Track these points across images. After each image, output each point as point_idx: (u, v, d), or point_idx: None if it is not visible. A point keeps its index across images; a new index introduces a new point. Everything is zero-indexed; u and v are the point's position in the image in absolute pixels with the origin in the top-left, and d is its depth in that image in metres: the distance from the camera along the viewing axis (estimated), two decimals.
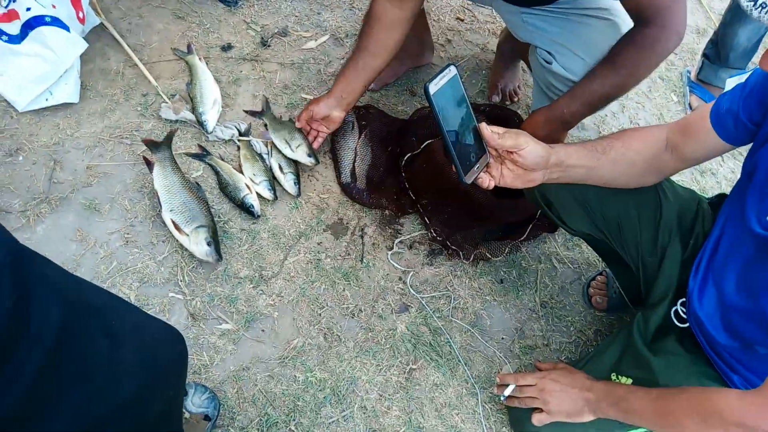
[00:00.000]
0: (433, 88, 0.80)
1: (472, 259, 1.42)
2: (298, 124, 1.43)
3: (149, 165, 1.30)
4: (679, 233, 1.09)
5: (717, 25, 1.88)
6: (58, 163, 1.34)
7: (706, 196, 1.16)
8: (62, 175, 1.33)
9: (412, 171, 1.47)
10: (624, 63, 1.16)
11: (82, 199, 1.30)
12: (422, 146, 1.45)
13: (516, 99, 1.75)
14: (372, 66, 1.33)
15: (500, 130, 0.90)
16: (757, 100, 0.91)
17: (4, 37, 1.37)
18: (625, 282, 1.36)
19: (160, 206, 1.27)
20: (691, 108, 1.94)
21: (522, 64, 1.75)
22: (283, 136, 1.43)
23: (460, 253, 1.42)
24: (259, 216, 1.35)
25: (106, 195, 1.32)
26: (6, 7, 1.40)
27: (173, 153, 1.35)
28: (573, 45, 1.24)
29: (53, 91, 1.39)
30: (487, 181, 0.91)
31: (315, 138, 1.43)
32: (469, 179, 0.87)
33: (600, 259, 1.46)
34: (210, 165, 1.41)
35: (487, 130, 0.88)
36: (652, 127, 1.05)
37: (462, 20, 1.91)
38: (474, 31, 1.90)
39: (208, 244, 1.23)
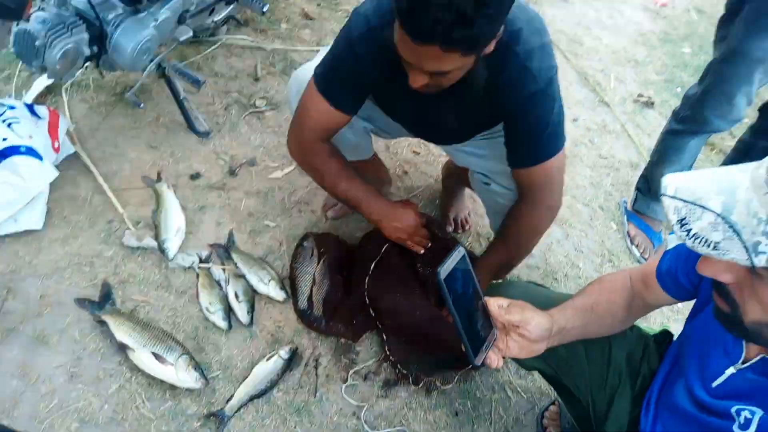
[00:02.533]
0: (444, 273, 0.82)
1: (421, 386, 1.42)
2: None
3: (102, 323, 1.30)
4: (629, 372, 1.12)
5: (647, 160, 2.08)
6: (11, 292, 1.32)
7: (651, 331, 1.21)
8: (13, 304, 1.30)
9: (374, 282, 1.49)
10: (511, 238, 1.36)
11: (30, 331, 1.27)
12: (382, 250, 1.49)
13: (468, 227, 1.86)
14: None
15: (504, 302, 0.93)
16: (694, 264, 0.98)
17: None
18: (578, 413, 1.37)
19: (129, 349, 1.25)
20: (629, 236, 2.08)
21: (468, 191, 1.86)
22: (256, 272, 1.47)
23: (410, 378, 1.42)
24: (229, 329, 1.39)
25: (57, 326, 1.29)
26: None
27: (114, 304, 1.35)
28: (503, 166, 1.31)
29: (18, 218, 1.41)
30: (495, 361, 0.91)
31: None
32: (479, 360, 0.87)
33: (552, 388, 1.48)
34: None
35: (494, 306, 0.91)
36: (618, 274, 1.11)
37: (417, 153, 2.06)
38: (429, 163, 2.05)
39: (195, 369, 1.25)
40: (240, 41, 2.16)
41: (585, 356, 1.15)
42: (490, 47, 1.02)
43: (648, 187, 2.05)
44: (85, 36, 1.40)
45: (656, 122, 2.65)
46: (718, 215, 0.63)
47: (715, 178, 0.67)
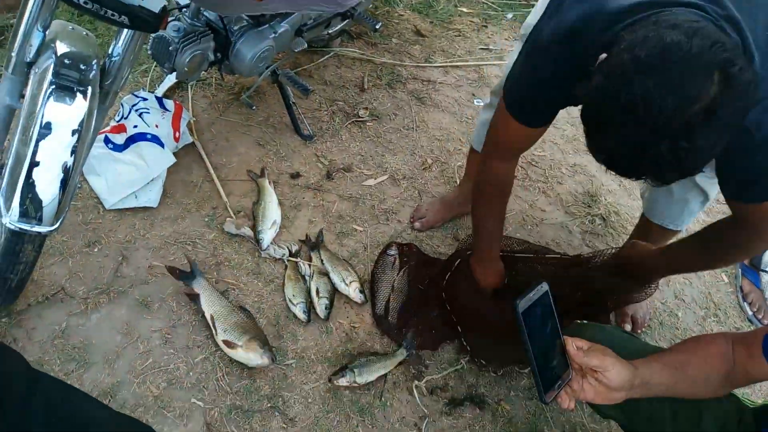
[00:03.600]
0: (523, 305, 0.83)
1: (501, 373, 1.47)
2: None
3: (192, 297, 1.40)
4: None
5: None
6: (125, 259, 1.49)
7: (750, 402, 1.10)
8: (126, 270, 1.47)
9: (451, 286, 1.53)
10: (708, 251, 1.22)
11: (137, 295, 1.42)
12: (455, 264, 1.52)
13: (645, 328, 1.72)
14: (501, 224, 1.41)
15: (585, 345, 0.90)
16: None
17: (110, 145, 1.62)
18: None
19: (215, 331, 1.35)
20: (742, 292, 1.90)
21: None
22: (339, 272, 1.55)
23: (489, 368, 1.46)
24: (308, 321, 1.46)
25: (159, 294, 1.44)
26: (117, 121, 1.68)
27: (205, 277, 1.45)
28: None
29: (138, 195, 1.59)
30: (566, 402, 0.89)
31: None
32: (549, 398, 0.86)
33: None
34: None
35: (573, 347, 0.89)
36: (720, 336, 1.01)
37: (515, 177, 2.03)
38: (525, 187, 2.01)
39: (262, 347, 1.31)
40: (351, 53, 2.29)
41: (671, 418, 1.06)
42: None
43: None
44: (212, 44, 1.56)
45: None
46: None
47: None
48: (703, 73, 0.72)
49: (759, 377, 0.96)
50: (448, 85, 2.31)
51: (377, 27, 2.08)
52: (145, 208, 1.59)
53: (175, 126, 1.69)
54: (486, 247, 1.42)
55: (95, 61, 1.20)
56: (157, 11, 1.08)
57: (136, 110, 1.65)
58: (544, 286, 0.88)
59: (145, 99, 1.69)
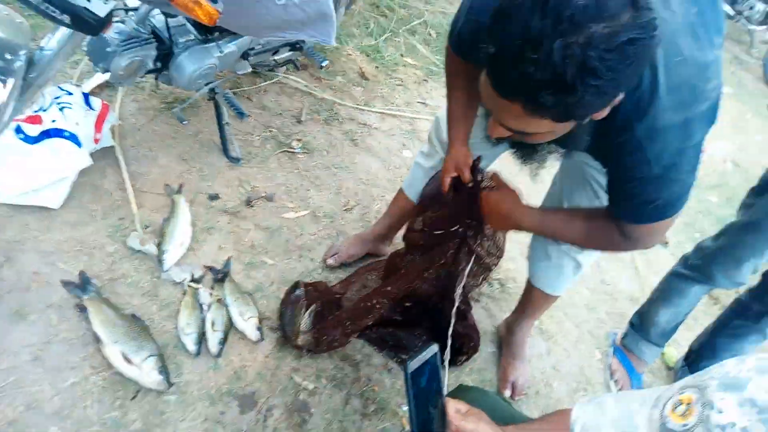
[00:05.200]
0: (413, 365, 0.85)
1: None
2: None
3: (82, 309, 1.33)
4: None
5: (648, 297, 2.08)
6: (9, 260, 1.36)
7: None
8: (7, 273, 1.34)
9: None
10: (594, 235, 1.18)
11: (13, 302, 1.30)
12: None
13: (522, 395, 1.77)
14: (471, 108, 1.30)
15: (464, 408, 0.93)
16: None
17: (21, 135, 1.49)
18: None
19: (101, 342, 1.28)
20: (610, 370, 2.05)
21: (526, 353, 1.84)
22: (239, 305, 1.50)
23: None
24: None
25: (38, 305, 1.32)
26: (35, 111, 1.55)
27: (98, 289, 1.39)
28: None
29: (40, 192, 1.47)
30: None
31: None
32: None
33: None
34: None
35: (452, 410, 0.92)
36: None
37: None
38: None
39: (159, 372, 1.28)
40: (294, 83, 2.27)
41: None
42: (601, 114, 0.85)
43: (641, 324, 2.04)
44: (153, 53, 1.49)
45: (666, 262, 2.64)
46: None
47: (617, 415, 0.69)
48: (624, 1, 0.71)
49: None
50: (382, 132, 2.36)
51: (323, 64, 2.10)
52: (43, 208, 1.47)
53: (98, 127, 1.59)
54: (452, 132, 1.33)
55: (24, 51, 1.12)
56: (102, 15, 1.03)
57: (58, 104, 1.53)
58: (434, 348, 0.91)
59: (70, 93, 1.58)
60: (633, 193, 1.02)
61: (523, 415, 1.25)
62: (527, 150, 1.16)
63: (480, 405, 1.09)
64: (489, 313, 1.96)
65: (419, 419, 0.88)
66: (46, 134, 1.49)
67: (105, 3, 1.03)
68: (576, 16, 0.70)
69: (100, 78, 1.78)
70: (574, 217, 1.23)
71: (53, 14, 1.00)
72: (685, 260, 1.93)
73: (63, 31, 1.15)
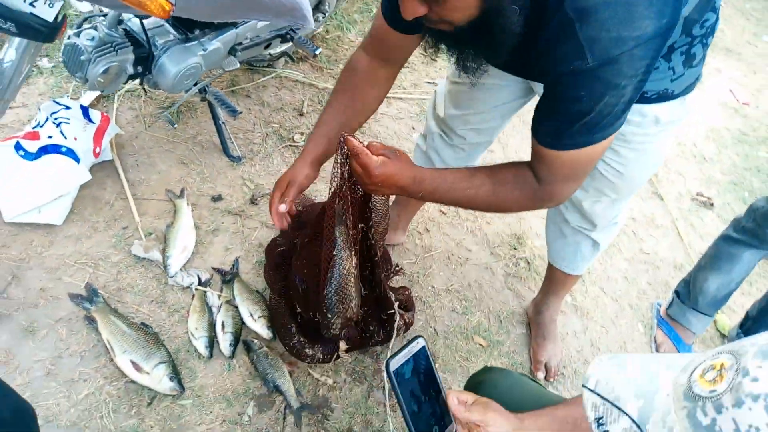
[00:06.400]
0: (394, 364, 0.85)
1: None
2: (282, 208, 1.21)
3: (91, 320, 1.37)
4: None
5: (694, 264, 1.99)
6: (16, 278, 1.41)
7: None
8: (15, 291, 1.39)
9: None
10: (497, 182, 1.06)
11: (23, 320, 1.35)
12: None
13: (558, 376, 1.74)
14: (349, 122, 1.22)
15: (470, 398, 0.90)
16: None
17: (21, 152, 1.54)
18: None
19: (113, 352, 1.31)
20: (656, 343, 1.97)
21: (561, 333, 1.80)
22: (248, 305, 1.51)
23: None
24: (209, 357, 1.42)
25: (47, 320, 1.36)
26: (33, 127, 1.60)
27: (105, 299, 1.42)
28: None
29: (42, 209, 1.51)
30: None
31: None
32: None
33: None
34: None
35: (454, 402, 0.89)
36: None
37: (444, 213, 2.06)
38: (453, 225, 2.04)
39: (170, 379, 1.31)
40: (294, 75, 2.27)
41: None
42: None
43: (688, 293, 1.95)
44: (131, 57, 1.51)
45: (713, 225, 2.53)
46: (634, 421, 0.61)
47: (638, 374, 0.65)
48: None
49: None
50: (389, 117, 2.33)
51: (316, 52, 2.08)
52: (46, 225, 1.52)
53: (97, 140, 1.63)
54: (308, 145, 1.25)
55: None
56: (51, 20, 1.03)
57: (55, 119, 1.58)
58: (421, 342, 0.90)
59: (67, 108, 1.62)
60: (559, 101, 0.92)
61: (557, 397, 1.20)
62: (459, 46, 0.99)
63: (500, 386, 1.06)
64: (516, 293, 1.91)
65: (413, 418, 0.87)
66: (44, 150, 1.54)
67: (51, 6, 1.01)
68: None
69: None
70: (476, 172, 1.07)
71: None
72: (736, 223, 1.84)
73: (17, 42, 1.16)
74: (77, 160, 1.57)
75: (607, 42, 0.82)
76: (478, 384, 1.12)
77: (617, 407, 0.62)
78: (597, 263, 2.13)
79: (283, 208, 1.21)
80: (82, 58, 1.40)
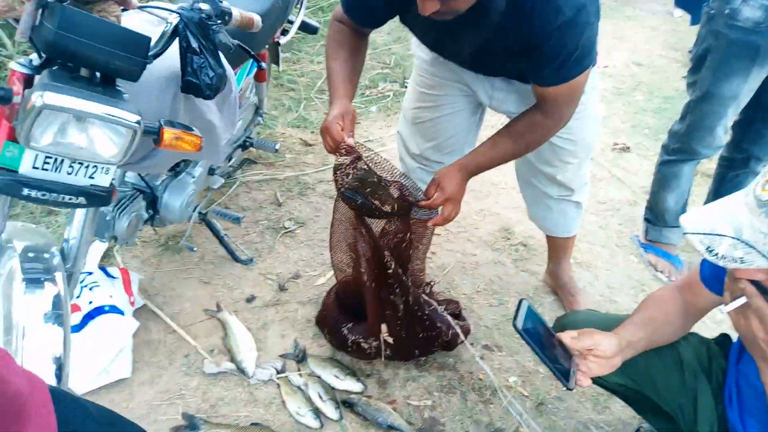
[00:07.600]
0: (519, 323, 1.10)
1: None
2: (351, 141, 1.43)
3: None
4: (701, 369, 1.26)
5: (647, 195, 2.39)
6: None
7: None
8: None
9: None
10: (518, 135, 1.43)
11: None
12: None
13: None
14: (355, 69, 1.51)
15: (574, 333, 1.16)
16: None
17: None
18: (665, 429, 1.49)
19: None
20: (651, 264, 2.32)
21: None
22: (330, 370, 1.66)
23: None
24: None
25: None
26: (71, 301, 1.69)
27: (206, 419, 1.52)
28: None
29: (108, 369, 1.59)
30: (585, 382, 1.14)
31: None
32: (571, 384, 1.11)
33: (635, 415, 1.61)
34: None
35: (567, 338, 1.15)
36: (666, 288, 1.32)
37: (439, 234, 2.33)
38: (451, 240, 2.31)
39: None
40: (256, 177, 2.51)
41: (660, 362, 1.30)
42: None
43: (656, 216, 2.33)
44: (143, 203, 1.69)
45: (637, 162, 3.02)
46: (734, 238, 0.89)
47: (718, 211, 0.94)
48: None
49: (706, 307, 1.25)
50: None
51: (276, 148, 2.35)
52: (118, 381, 1.59)
53: (128, 291, 1.74)
54: (338, 89, 1.46)
55: (54, 248, 1.30)
56: (107, 185, 1.22)
57: (86, 285, 1.68)
58: (526, 303, 1.16)
59: (90, 273, 1.73)
60: (554, 51, 1.25)
61: (622, 315, 1.45)
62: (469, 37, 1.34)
63: (583, 321, 1.32)
64: (530, 272, 2.20)
65: (551, 361, 1.11)
66: (89, 316, 1.63)
67: (106, 173, 1.21)
68: None
69: (98, 251, 1.93)
70: (499, 138, 1.44)
71: (71, 201, 1.16)
72: (666, 148, 2.25)
73: (78, 218, 1.33)
74: (122, 313, 1.67)
75: None
76: (564, 325, 1.36)
77: (716, 234, 0.89)
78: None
79: (351, 140, 1.41)
80: (107, 218, 1.55)
